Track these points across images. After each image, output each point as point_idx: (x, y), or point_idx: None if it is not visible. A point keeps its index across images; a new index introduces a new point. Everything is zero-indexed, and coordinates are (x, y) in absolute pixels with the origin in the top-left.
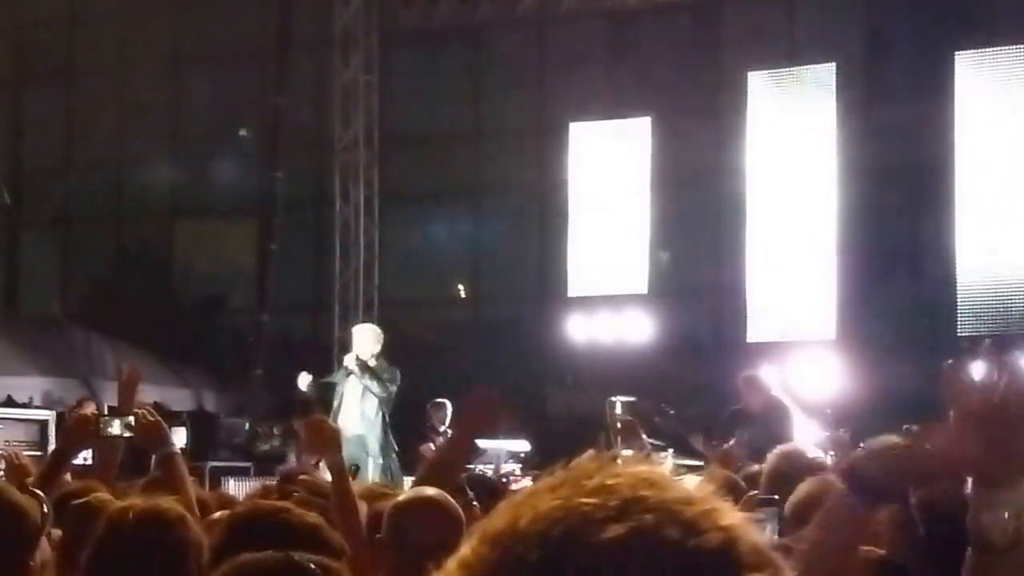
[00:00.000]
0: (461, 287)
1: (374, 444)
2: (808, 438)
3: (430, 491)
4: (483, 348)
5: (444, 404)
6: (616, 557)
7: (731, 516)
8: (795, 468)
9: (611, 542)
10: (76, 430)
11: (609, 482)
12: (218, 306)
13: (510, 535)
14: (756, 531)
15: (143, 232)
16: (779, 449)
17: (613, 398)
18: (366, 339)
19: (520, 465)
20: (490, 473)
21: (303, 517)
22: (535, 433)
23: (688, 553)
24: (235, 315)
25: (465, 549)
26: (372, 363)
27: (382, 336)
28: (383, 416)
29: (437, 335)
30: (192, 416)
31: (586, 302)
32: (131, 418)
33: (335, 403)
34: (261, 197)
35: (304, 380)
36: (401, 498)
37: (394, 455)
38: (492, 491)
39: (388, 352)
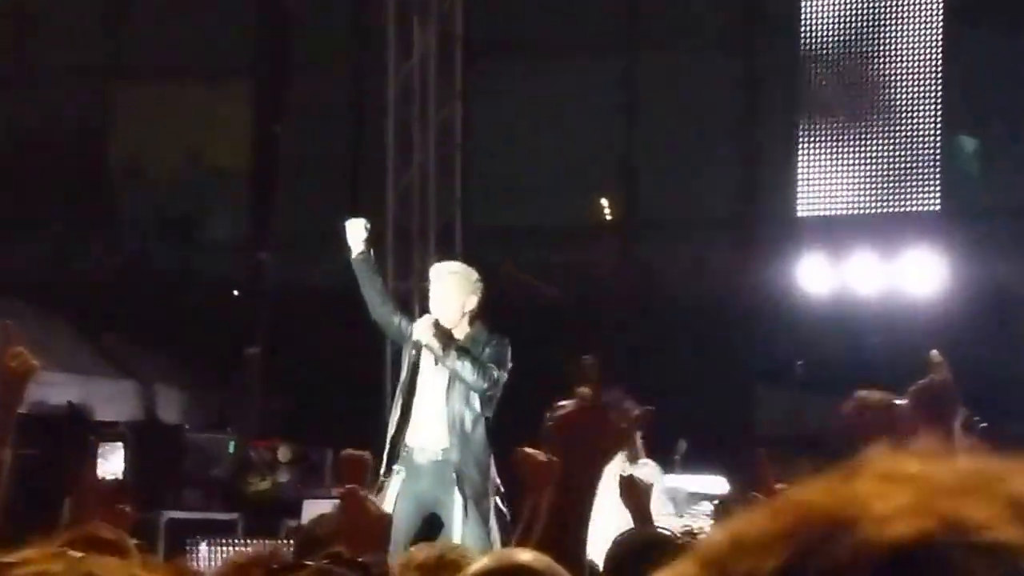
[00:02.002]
0: (605, 203)
1: (471, 476)
2: None
3: (524, 557)
4: (639, 310)
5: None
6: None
7: None
8: None
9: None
10: None
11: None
12: (185, 234)
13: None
14: None
15: (53, 99)
16: None
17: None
18: (452, 291)
19: (714, 512)
20: (668, 525)
21: None
22: (736, 460)
23: None
24: (214, 251)
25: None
26: (464, 332)
27: (479, 284)
28: (485, 426)
29: (559, 287)
30: (137, 429)
31: (829, 228)
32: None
33: (395, 407)
34: (261, 47)
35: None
36: (476, 569)
37: (498, 501)
38: (661, 555)
39: (487, 315)
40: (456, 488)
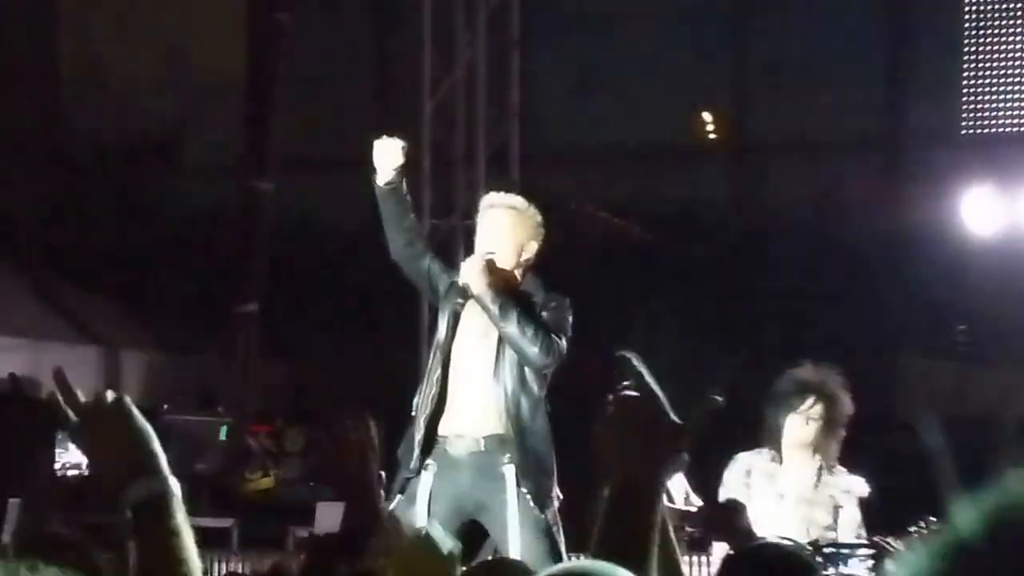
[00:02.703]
0: (708, 120)
1: (532, 475)
2: None
3: (589, 568)
4: (750, 254)
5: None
6: None
7: None
8: None
9: None
10: None
11: None
12: (160, 157)
13: None
14: None
15: None
16: None
17: None
18: (509, 230)
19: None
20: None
21: None
22: (879, 458)
23: None
24: (197, 180)
25: None
26: (526, 288)
27: (542, 228)
28: (543, 410)
29: (643, 229)
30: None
31: (996, 149)
32: None
33: (428, 381)
34: None
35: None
36: None
37: (555, 509)
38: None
39: (546, 263)
40: (507, 488)
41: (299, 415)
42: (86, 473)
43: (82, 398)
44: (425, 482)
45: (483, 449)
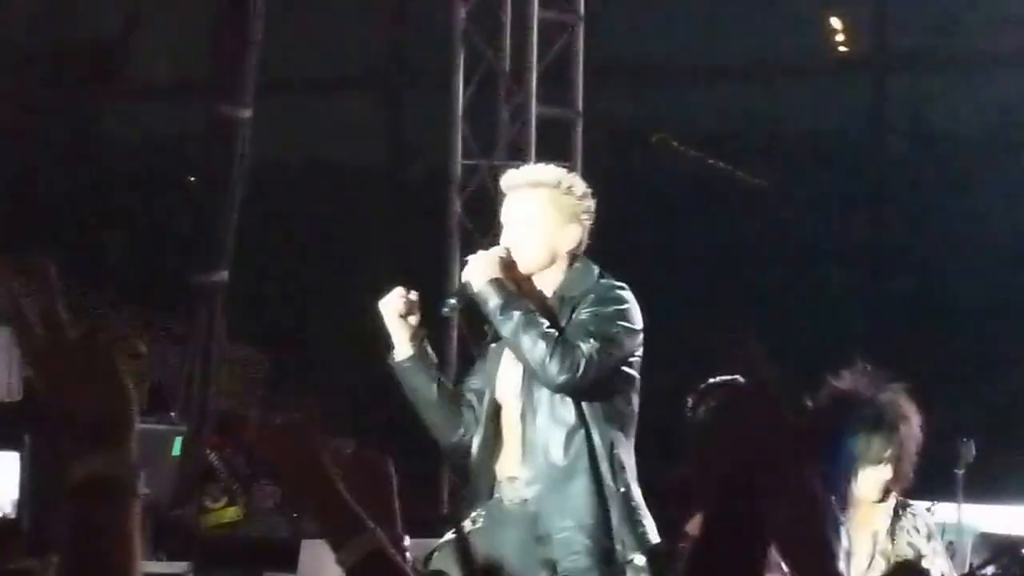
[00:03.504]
0: (838, 27)
1: (564, 539)
2: None
3: None
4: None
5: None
6: None
7: None
8: None
9: None
10: None
11: None
12: (97, 69)
13: None
14: None
15: None
16: None
17: None
18: (538, 216)
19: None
20: None
21: None
22: None
23: None
24: (143, 103)
25: None
26: (556, 283)
27: (589, 203)
28: (594, 452)
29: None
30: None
31: None
32: None
33: (480, 417)
34: None
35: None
36: None
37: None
38: None
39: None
40: (542, 558)
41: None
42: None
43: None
44: (462, 539)
45: (526, 500)
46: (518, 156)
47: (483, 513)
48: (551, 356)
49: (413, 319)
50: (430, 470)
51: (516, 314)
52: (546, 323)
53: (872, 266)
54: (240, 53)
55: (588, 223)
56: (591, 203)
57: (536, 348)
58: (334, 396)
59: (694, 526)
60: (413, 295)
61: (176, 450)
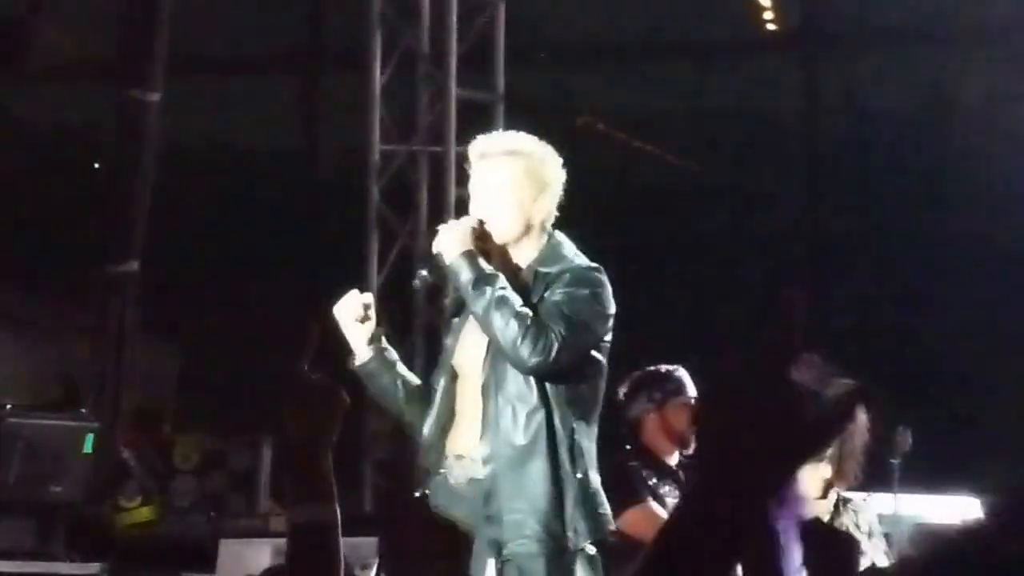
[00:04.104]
0: (767, 4)
1: (514, 523)
2: None
3: None
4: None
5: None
6: None
7: None
8: None
9: None
10: None
11: None
12: None
13: None
14: None
15: None
16: None
17: None
18: (508, 185)
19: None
20: None
21: None
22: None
23: None
24: (51, 80)
25: None
26: (529, 257)
27: (558, 171)
28: (553, 431)
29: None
30: None
31: None
32: None
33: (436, 390)
34: None
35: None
36: None
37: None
38: None
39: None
40: (490, 537)
41: (193, 418)
42: None
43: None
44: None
45: (480, 477)
46: (437, 141)
47: (429, 491)
48: (523, 338)
49: (369, 323)
50: (352, 469)
51: (488, 290)
52: (519, 301)
53: (810, 252)
54: (148, 35)
55: (559, 194)
56: (563, 174)
57: (508, 328)
58: (249, 390)
59: (625, 522)
60: (368, 297)
61: (88, 447)
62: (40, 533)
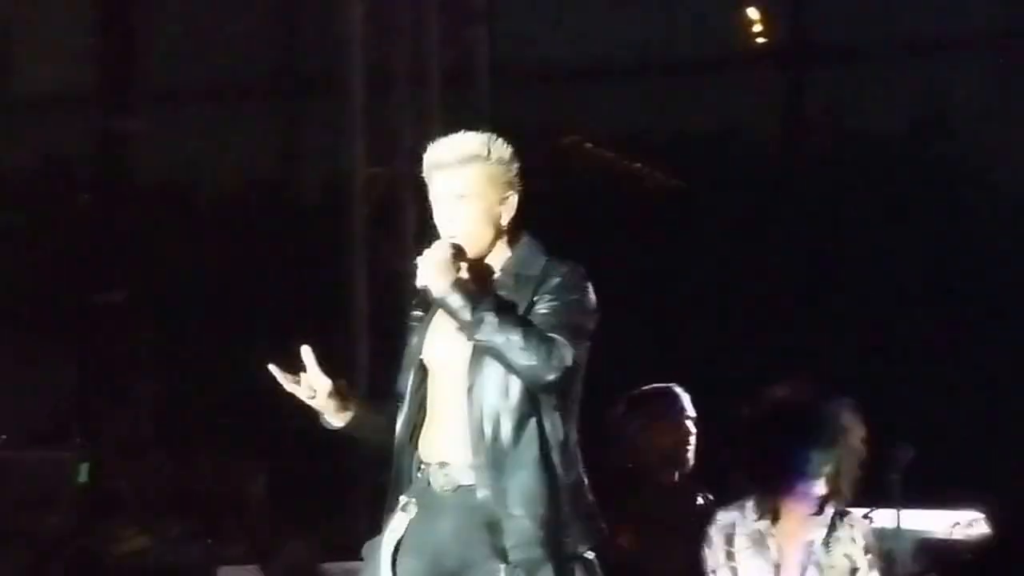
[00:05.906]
0: (755, 18)
1: (515, 524)
2: None
3: None
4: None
5: (672, 400)
6: None
7: None
8: None
9: None
10: None
11: None
12: None
13: None
14: None
15: None
16: None
17: None
18: (474, 191)
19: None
20: None
21: None
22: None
23: None
24: (31, 108)
25: None
26: (502, 261)
27: (517, 171)
28: (544, 433)
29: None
30: None
31: None
32: None
33: (405, 398)
34: None
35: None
36: None
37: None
38: None
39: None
40: (491, 545)
41: (184, 445)
42: None
43: None
44: (397, 524)
45: (470, 484)
46: (421, 163)
47: (412, 500)
48: (536, 357)
49: (333, 404)
50: (344, 496)
51: (488, 315)
52: (519, 319)
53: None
54: (129, 65)
55: (520, 188)
56: (518, 164)
57: (519, 352)
58: (237, 417)
59: (617, 539)
60: (340, 383)
61: (83, 476)
62: (33, 565)
